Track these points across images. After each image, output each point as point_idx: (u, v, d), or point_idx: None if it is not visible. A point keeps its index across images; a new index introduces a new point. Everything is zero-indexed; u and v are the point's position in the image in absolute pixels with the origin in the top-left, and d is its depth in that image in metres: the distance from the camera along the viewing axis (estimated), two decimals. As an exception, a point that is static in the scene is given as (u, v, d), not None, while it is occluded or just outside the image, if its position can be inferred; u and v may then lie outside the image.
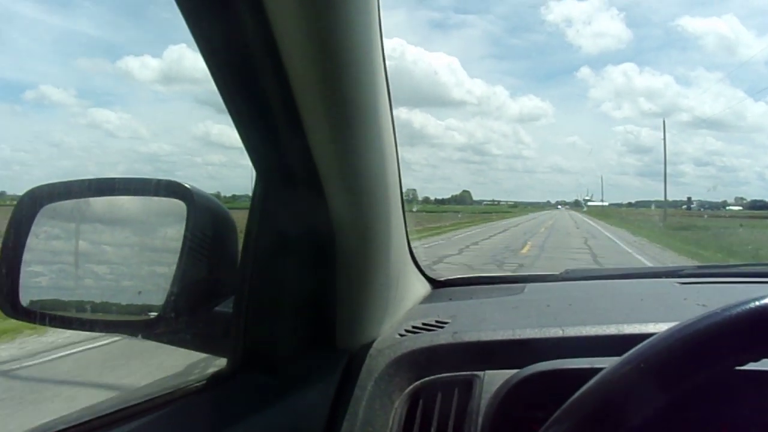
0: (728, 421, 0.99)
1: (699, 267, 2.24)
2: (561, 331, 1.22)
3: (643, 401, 0.68)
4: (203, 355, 1.24)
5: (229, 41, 0.87)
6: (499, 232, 33.59)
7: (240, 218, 1.19)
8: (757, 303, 0.65)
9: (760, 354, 0.66)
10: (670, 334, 0.69)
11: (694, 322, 0.68)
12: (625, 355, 0.71)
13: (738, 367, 0.67)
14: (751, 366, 0.67)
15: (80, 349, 6.33)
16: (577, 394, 0.72)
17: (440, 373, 1.19)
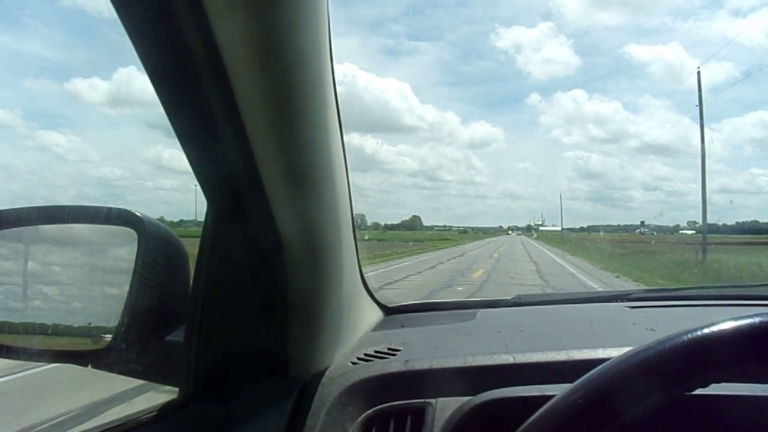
0: None
1: (647, 291, 2.31)
2: (512, 358, 1.25)
3: (591, 430, 0.71)
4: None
5: (178, 68, 0.89)
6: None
7: (188, 245, 1.22)
8: (687, 336, 0.70)
9: (694, 385, 0.70)
10: (616, 363, 0.73)
11: (639, 352, 0.72)
12: (573, 384, 0.75)
13: (687, 393, 0.71)
14: (700, 391, 0.71)
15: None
16: (525, 423, 0.75)
17: (393, 401, 1.22)
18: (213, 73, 0.88)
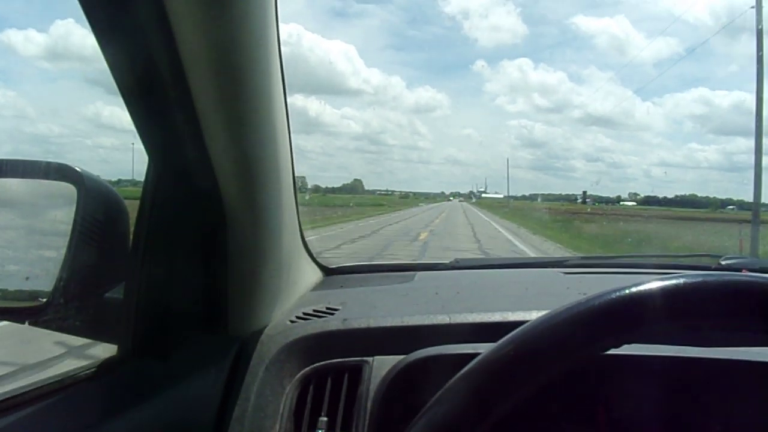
0: (601, 402, 1.12)
1: (583, 258, 2.40)
2: (448, 318, 1.31)
3: (516, 384, 0.75)
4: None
5: (122, 23, 0.90)
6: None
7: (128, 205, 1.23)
8: (616, 294, 0.74)
9: (621, 340, 0.74)
10: (540, 322, 0.77)
11: (570, 307, 0.76)
12: (501, 340, 0.79)
13: (606, 353, 0.74)
14: (617, 351, 0.74)
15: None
16: (455, 377, 0.79)
17: (330, 359, 1.26)
18: (156, 27, 0.90)
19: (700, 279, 0.74)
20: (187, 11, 0.88)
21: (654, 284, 0.74)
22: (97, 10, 0.88)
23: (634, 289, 0.74)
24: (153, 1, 0.86)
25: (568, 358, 0.75)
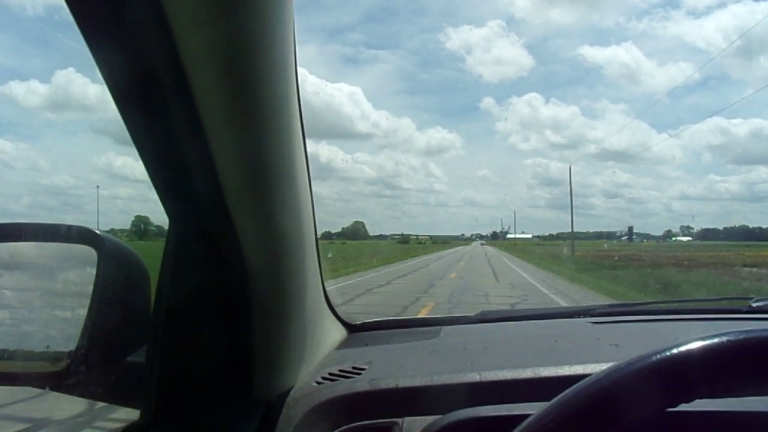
0: None
1: (610, 306, 2.48)
2: (478, 376, 1.40)
3: None
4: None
5: (141, 84, 0.99)
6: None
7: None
8: (658, 356, 0.78)
9: (669, 402, 0.78)
10: (586, 386, 0.81)
11: (609, 373, 0.80)
12: (543, 408, 0.83)
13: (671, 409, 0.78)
14: (687, 407, 0.79)
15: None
16: None
17: (359, 421, 1.35)
18: (176, 87, 0.97)
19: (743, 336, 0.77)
20: (208, 70, 0.97)
21: (696, 344, 0.79)
22: (117, 73, 0.97)
23: (675, 351, 0.79)
24: (173, 65, 0.94)
25: (611, 427, 0.79)
